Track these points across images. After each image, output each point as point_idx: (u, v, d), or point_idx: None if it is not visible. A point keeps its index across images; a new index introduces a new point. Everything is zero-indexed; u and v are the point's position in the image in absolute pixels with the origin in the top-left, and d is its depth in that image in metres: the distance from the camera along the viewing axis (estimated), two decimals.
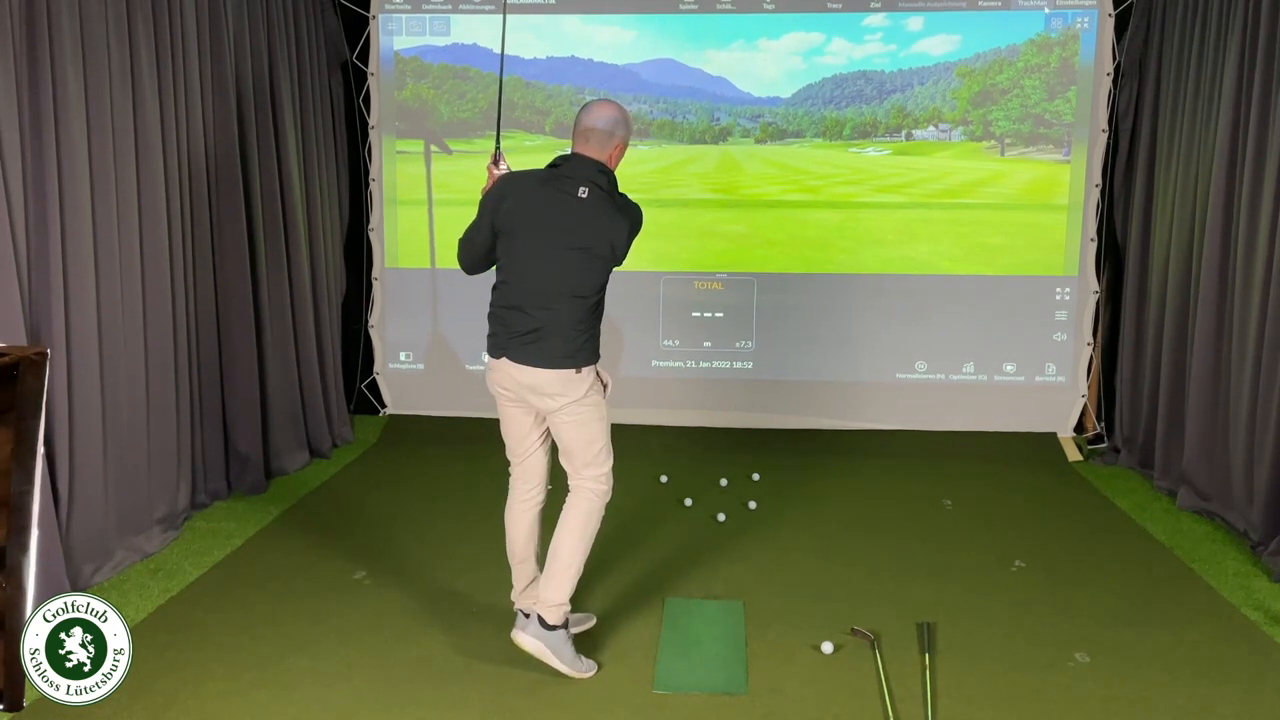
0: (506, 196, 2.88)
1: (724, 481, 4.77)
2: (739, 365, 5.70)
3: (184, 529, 4.06)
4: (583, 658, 2.95)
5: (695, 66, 5.59)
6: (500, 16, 5.55)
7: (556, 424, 2.95)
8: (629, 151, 2.99)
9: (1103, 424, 5.56)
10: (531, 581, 3.10)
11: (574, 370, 2.88)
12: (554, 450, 3.08)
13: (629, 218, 2.88)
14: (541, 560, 3.05)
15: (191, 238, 4.19)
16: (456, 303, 5.67)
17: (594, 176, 2.84)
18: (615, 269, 2.95)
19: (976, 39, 5.45)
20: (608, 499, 3.04)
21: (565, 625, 2.92)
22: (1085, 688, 2.89)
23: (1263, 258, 4.00)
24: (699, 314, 5.66)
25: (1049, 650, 3.11)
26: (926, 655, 3.03)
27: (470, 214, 2.97)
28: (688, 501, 4.51)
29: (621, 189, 2.93)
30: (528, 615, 2.94)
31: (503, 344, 2.94)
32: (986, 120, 5.53)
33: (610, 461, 3.02)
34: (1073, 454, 5.38)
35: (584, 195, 2.82)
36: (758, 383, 5.69)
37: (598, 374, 2.97)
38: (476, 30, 5.61)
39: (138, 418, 3.82)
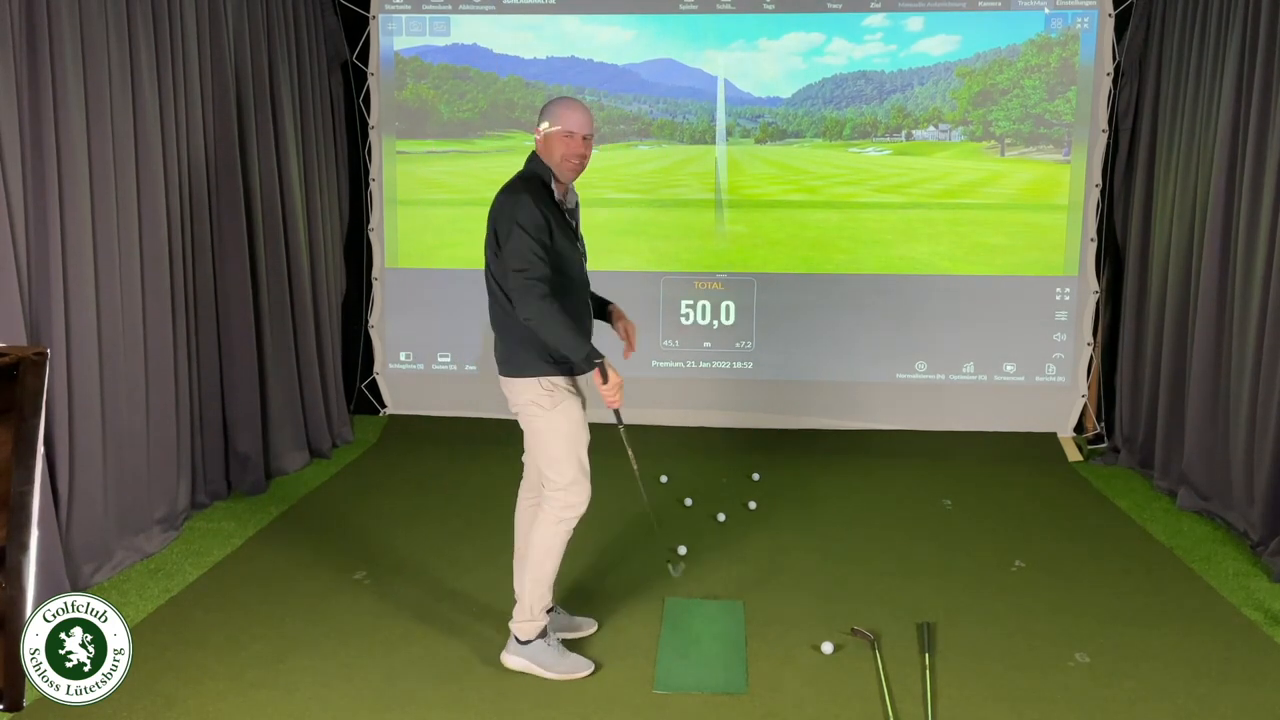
0: None
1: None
2: (739, 365, 5.70)
3: (184, 529, 4.06)
4: (570, 655, 2.96)
5: (695, 66, 5.59)
6: (501, 16, 5.56)
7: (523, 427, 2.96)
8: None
9: (1103, 424, 5.56)
10: None
11: (513, 377, 2.88)
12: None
13: (506, 195, 2.81)
14: None
15: (191, 238, 4.19)
16: (456, 303, 5.67)
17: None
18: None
19: (976, 39, 5.45)
20: (566, 522, 2.90)
21: (542, 635, 2.93)
22: (1085, 688, 2.89)
23: (1263, 258, 4.00)
24: (698, 315, 5.66)
25: (1049, 650, 3.11)
26: (926, 655, 3.03)
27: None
28: (688, 501, 4.51)
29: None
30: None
31: None
32: (986, 120, 5.53)
33: (568, 482, 2.87)
34: (1073, 454, 5.38)
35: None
36: (758, 383, 5.69)
37: (560, 387, 2.85)
38: (476, 30, 5.61)
39: (138, 417, 3.82)
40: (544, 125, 2.85)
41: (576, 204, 3.01)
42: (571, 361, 2.80)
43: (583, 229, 3.01)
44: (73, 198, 3.42)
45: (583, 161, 2.86)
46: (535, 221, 2.73)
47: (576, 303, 2.89)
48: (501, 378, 2.91)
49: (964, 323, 5.58)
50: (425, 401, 5.80)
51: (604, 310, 3.13)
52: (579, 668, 2.94)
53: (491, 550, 3.90)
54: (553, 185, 2.86)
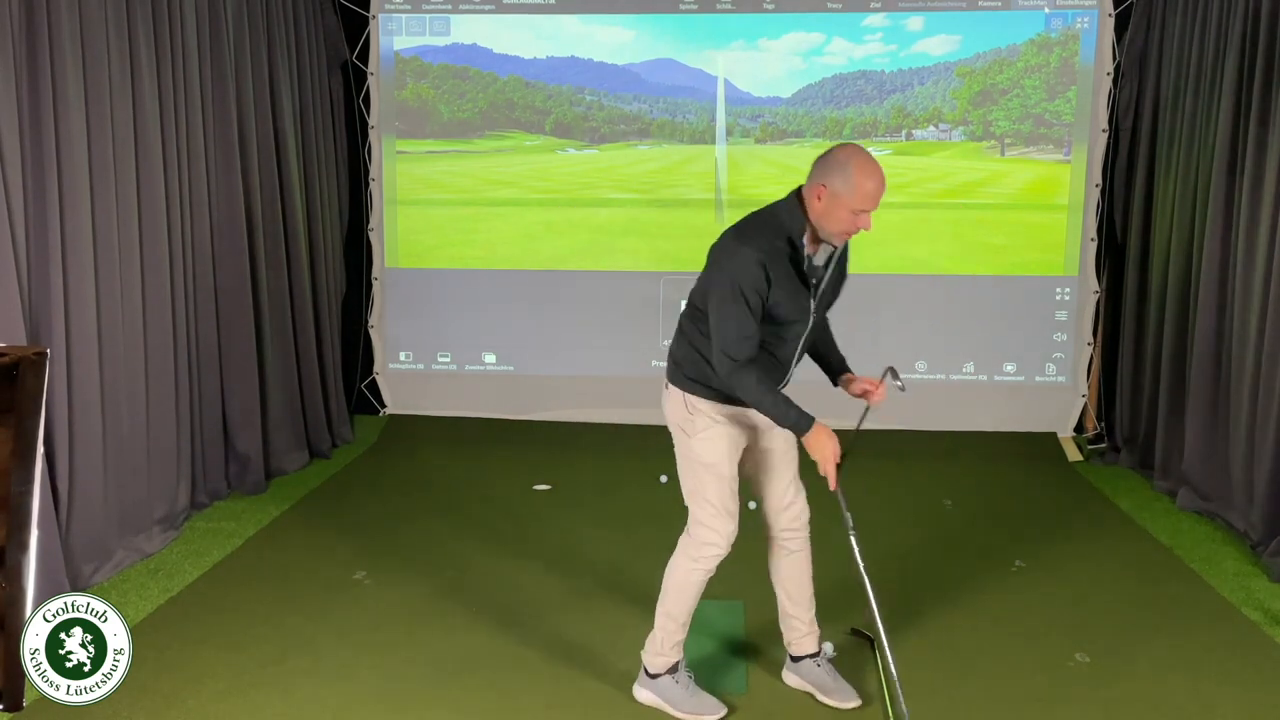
0: None
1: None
2: None
3: (184, 529, 4.06)
4: (702, 694, 2.74)
5: (695, 66, 5.59)
6: (501, 16, 5.55)
7: None
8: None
9: (1103, 424, 5.56)
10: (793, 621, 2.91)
11: (668, 385, 2.70)
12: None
13: (735, 239, 2.48)
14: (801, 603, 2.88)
15: (191, 238, 4.19)
16: (456, 303, 5.66)
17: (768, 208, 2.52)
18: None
19: (976, 39, 5.45)
20: (702, 562, 2.68)
21: (672, 670, 2.74)
22: (1085, 688, 2.89)
23: (1263, 258, 4.00)
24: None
25: (1049, 650, 3.11)
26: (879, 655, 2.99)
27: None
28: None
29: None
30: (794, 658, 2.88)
31: None
32: (986, 120, 5.53)
33: (706, 517, 2.66)
34: (1073, 454, 5.37)
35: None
36: None
37: (703, 413, 2.65)
38: (476, 30, 5.61)
39: (138, 418, 3.81)
40: (835, 186, 2.37)
41: (834, 255, 2.58)
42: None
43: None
44: (73, 198, 3.42)
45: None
46: (754, 285, 2.41)
47: (777, 360, 2.63)
48: (666, 393, 2.72)
49: (964, 323, 5.58)
50: (425, 401, 5.79)
51: (837, 373, 2.85)
52: (708, 709, 2.71)
53: (490, 550, 3.90)
54: (803, 244, 2.47)
